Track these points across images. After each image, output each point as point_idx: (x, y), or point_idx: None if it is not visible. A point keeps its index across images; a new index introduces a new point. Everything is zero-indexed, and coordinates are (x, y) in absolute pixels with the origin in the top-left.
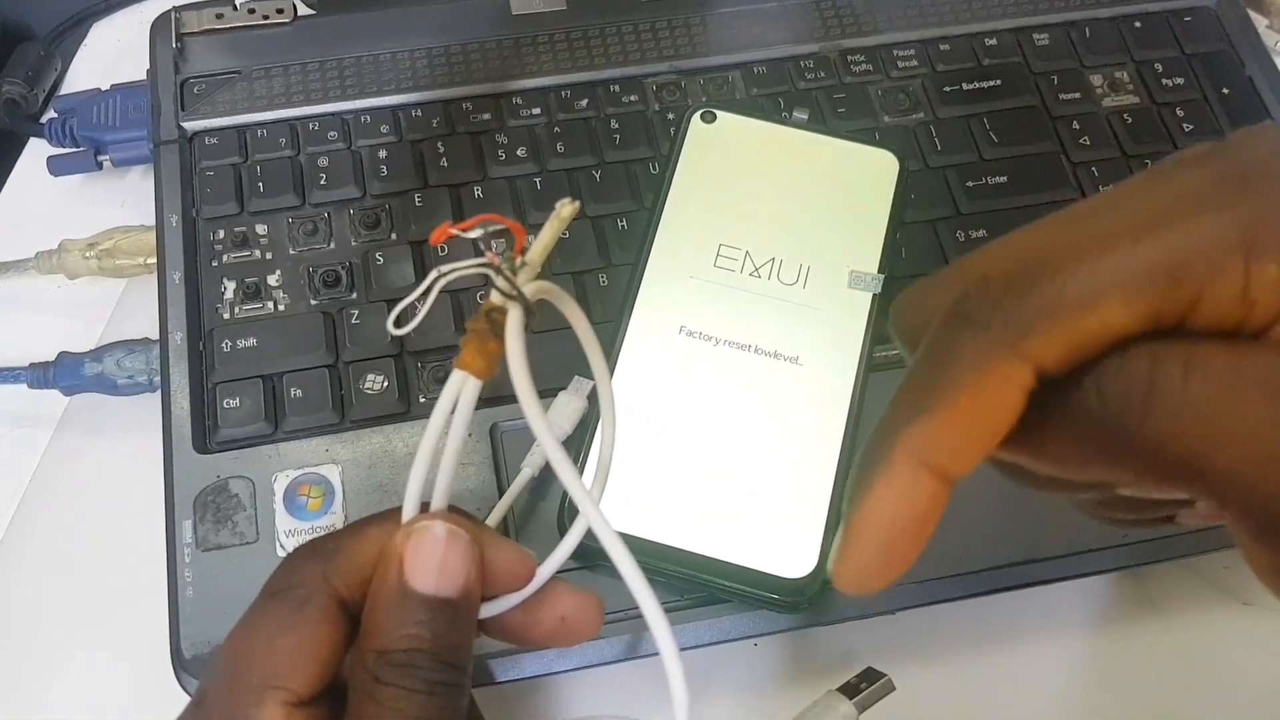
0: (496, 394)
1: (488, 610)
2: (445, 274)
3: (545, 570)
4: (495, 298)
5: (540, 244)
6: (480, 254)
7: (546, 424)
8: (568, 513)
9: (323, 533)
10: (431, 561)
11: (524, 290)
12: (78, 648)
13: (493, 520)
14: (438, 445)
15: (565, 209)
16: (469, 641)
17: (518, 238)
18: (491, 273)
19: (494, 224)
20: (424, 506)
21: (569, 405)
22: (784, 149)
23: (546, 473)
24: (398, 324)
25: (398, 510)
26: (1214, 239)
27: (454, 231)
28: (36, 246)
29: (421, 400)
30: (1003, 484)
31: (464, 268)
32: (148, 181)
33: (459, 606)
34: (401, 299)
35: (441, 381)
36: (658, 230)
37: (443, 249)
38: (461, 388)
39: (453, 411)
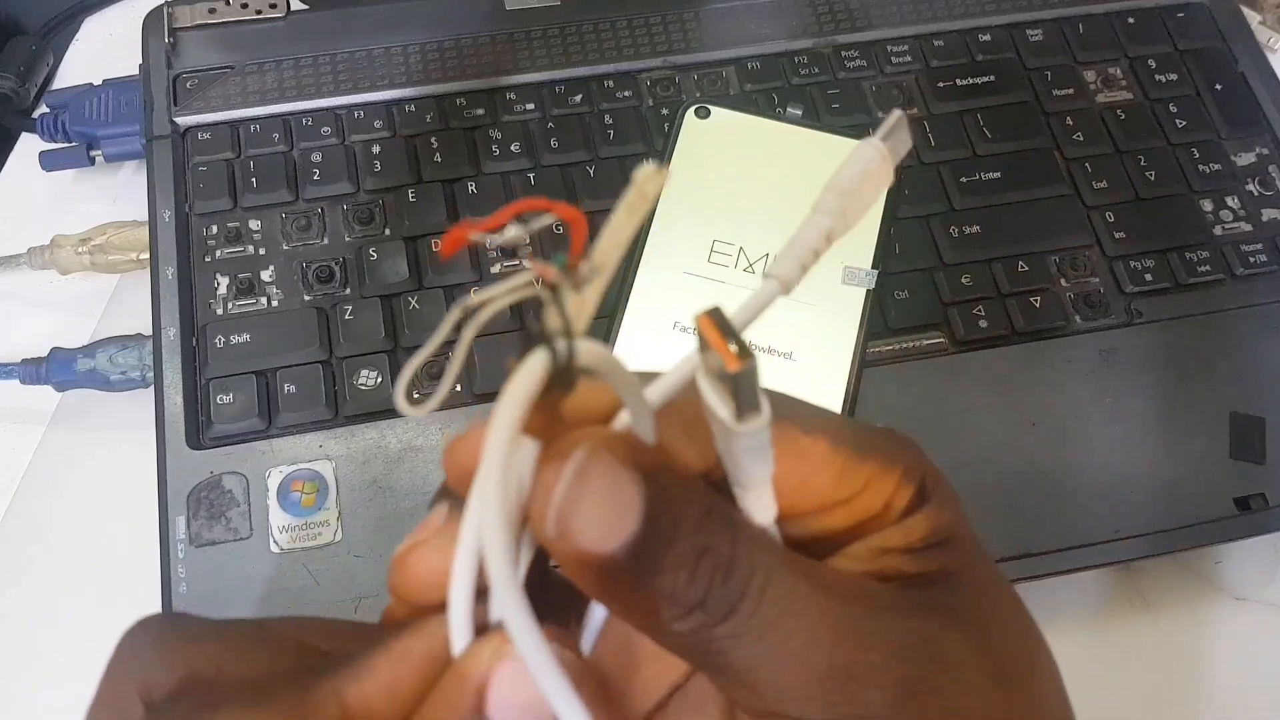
0: (490, 389)
1: None
2: (474, 310)
3: None
4: (550, 322)
5: (612, 242)
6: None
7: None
8: None
9: (316, 529)
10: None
11: (573, 324)
12: (70, 643)
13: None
14: (485, 533)
15: (649, 182)
16: None
17: (575, 231)
18: (544, 295)
19: (534, 213)
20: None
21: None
22: (778, 144)
23: None
24: (413, 396)
25: (433, 622)
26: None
27: (475, 236)
28: (29, 242)
29: (415, 395)
30: (992, 479)
31: (501, 296)
32: (140, 177)
33: None
34: (396, 295)
35: (436, 378)
36: (652, 226)
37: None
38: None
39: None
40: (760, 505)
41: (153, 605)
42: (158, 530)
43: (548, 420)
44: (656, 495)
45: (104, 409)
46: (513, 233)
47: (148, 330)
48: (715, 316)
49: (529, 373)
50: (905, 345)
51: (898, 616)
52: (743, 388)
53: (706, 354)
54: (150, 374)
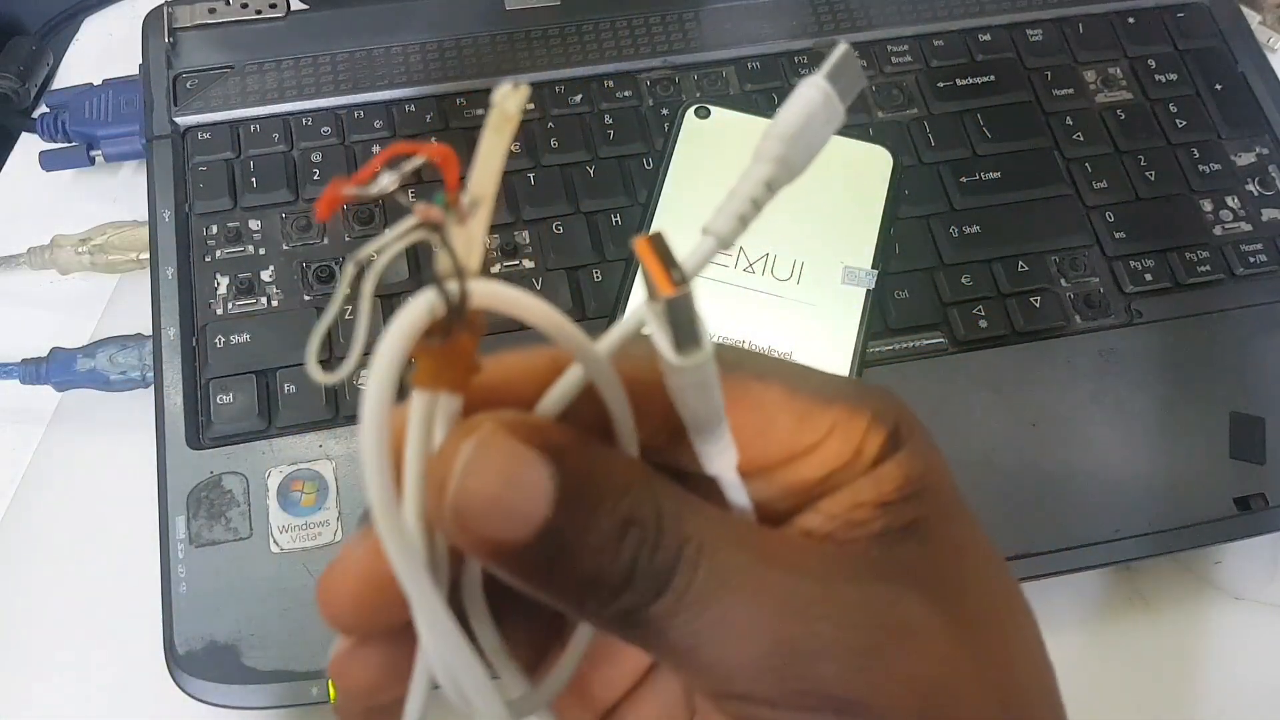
0: None
1: None
2: (367, 263)
3: None
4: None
5: (485, 169)
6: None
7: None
8: None
9: (316, 529)
10: None
11: (465, 261)
12: (71, 644)
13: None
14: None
15: (509, 100)
16: None
17: (447, 169)
18: (432, 237)
19: (406, 157)
20: None
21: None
22: None
23: None
24: (326, 363)
25: None
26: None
27: (349, 192)
28: (29, 242)
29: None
30: (992, 479)
31: (392, 243)
32: (140, 177)
33: None
34: (396, 295)
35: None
36: (652, 226)
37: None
38: (433, 412)
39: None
40: (717, 451)
41: (153, 605)
42: (158, 530)
43: (462, 373)
44: (570, 475)
45: (104, 409)
46: (386, 180)
47: (148, 330)
48: (655, 242)
49: (411, 313)
50: (905, 345)
51: (852, 583)
52: (679, 316)
53: (652, 294)
54: (150, 374)
